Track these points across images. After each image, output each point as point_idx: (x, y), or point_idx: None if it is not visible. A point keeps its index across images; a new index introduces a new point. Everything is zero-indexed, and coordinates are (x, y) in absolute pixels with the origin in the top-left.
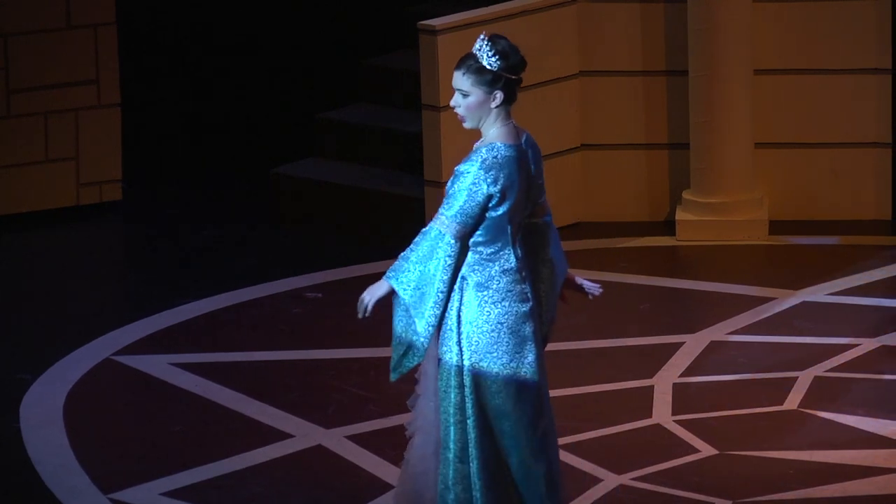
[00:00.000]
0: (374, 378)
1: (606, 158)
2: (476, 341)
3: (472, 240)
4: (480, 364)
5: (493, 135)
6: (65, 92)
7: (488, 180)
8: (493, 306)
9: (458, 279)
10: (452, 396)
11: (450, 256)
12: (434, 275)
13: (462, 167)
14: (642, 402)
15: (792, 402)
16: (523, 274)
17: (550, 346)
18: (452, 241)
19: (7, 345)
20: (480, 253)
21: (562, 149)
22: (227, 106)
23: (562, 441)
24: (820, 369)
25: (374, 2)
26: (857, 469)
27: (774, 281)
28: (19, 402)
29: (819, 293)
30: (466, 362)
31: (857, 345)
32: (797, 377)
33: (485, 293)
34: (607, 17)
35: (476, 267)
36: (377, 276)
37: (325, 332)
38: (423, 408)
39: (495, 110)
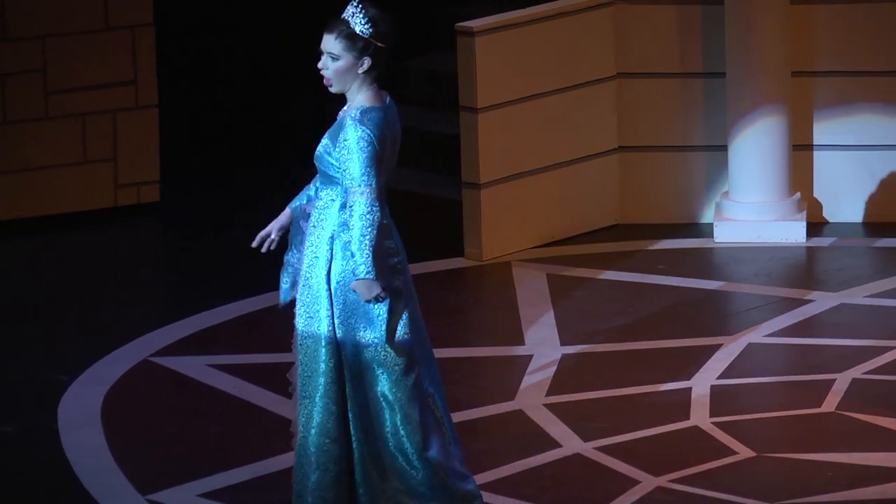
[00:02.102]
0: None
1: (644, 160)
2: (346, 300)
3: (341, 200)
4: (350, 321)
5: (361, 99)
6: (103, 93)
7: (373, 137)
8: None
9: (328, 241)
10: (323, 357)
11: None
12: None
13: (360, 132)
14: (680, 404)
15: (830, 404)
16: (391, 230)
17: (588, 349)
18: (378, 204)
19: (45, 346)
20: (343, 214)
21: (599, 151)
22: (264, 107)
23: (600, 443)
24: (858, 371)
25: (410, 4)
26: None
27: (812, 283)
28: (57, 403)
29: (857, 295)
30: (338, 323)
31: (895, 347)
32: (835, 379)
33: (346, 253)
34: (644, 18)
35: (344, 228)
36: (415, 279)
37: None
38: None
39: (361, 76)
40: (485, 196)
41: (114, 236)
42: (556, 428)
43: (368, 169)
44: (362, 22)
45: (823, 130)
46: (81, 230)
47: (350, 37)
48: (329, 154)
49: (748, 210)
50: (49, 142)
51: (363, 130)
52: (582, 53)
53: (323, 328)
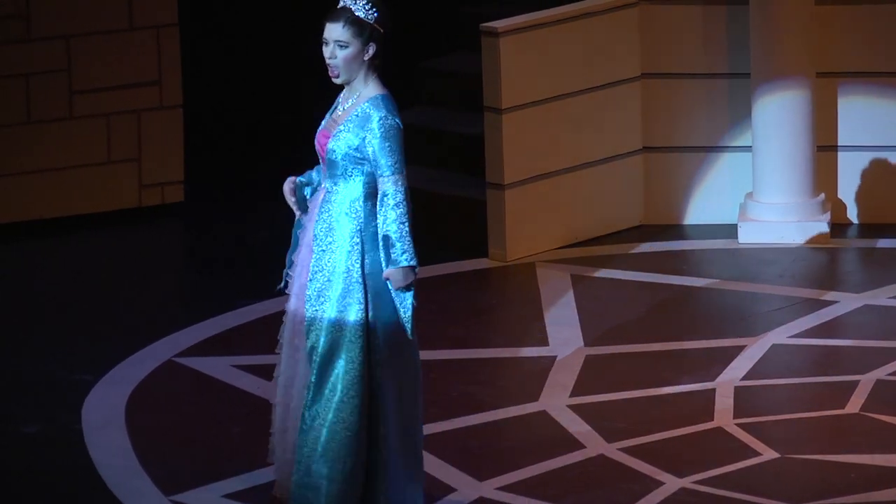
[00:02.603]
0: (434, 380)
1: (668, 161)
2: (376, 289)
3: (365, 192)
4: (380, 309)
5: (373, 87)
6: (127, 93)
7: (400, 124)
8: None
9: (356, 233)
10: (358, 350)
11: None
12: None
13: (389, 121)
14: (704, 405)
15: (854, 405)
16: None
17: (612, 350)
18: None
19: (69, 346)
20: (371, 205)
21: (624, 151)
22: (288, 107)
23: (624, 444)
24: (882, 373)
25: (429, 4)
26: None
27: (836, 284)
28: (81, 403)
29: (881, 296)
30: (371, 314)
31: None
32: (859, 381)
33: (375, 243)
34: (669, 19)
35: (371, 220)
36: (439, 279)
37: None
38: (280, 355)
39: (366, 63)
40: (509, 197)
41: (138, 237)
42: (579, 429)
43: (400, 156)
44: (366, 7)
45: (848, 131)
46: (106, 230)
47: (356, 22)
48: (355, 148)
49: (772, 211)
50: (73, 142)
51: (393, 119)
52: (607, 54)
53: (357, 319)
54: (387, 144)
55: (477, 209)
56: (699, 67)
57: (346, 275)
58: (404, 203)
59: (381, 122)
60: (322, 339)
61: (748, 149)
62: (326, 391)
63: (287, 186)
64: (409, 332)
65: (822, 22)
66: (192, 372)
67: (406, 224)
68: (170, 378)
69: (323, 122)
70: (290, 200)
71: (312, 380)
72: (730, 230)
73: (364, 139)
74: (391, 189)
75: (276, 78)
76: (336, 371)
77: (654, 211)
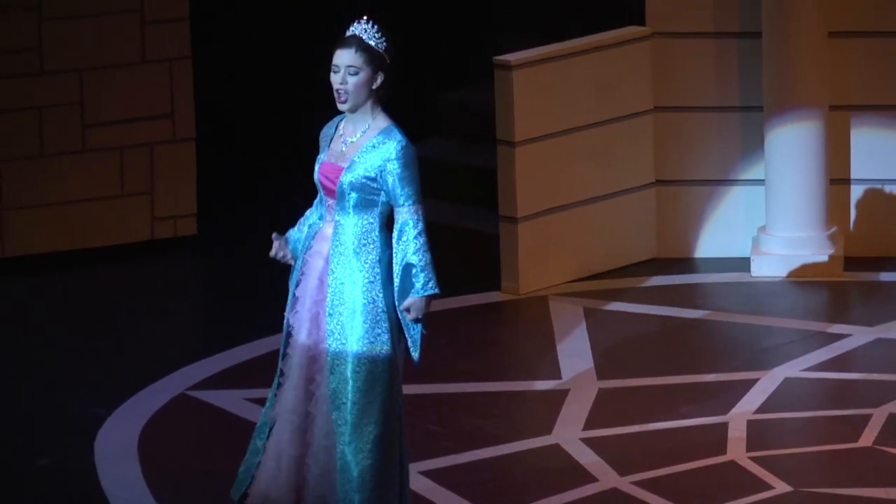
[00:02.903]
0: (446, 413)
1: (681, 194)
2: (395, 319)
3: (381, 222)
4: (397, 339)
5: (382, 119)
6: (140, 126)
7: (416, 154)
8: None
9: (375, 264)
10: (390, 380)
11: None
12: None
13: (410, 150)
14: (717, 438)
15: (867, 439)
16: None
17: (625, 384)
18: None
19: (81, 379)
20: (386, 235)
21: (637, 184)
22: (302, 141)
23: (637, 477)
24: (895, 406)
25: (446, 37)
26: None
27: (849, 318)
28: (94, 436)
29: (894, 330)
30: (394, 343)
31: None
32: (872, 414)
33: (391, 273)
34: (682, 52)
35: (386, 249)
36: (451, 313)
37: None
38: (285, 396)
39: (374, 93)
40: (522, 230)
41: (150, 269)
42: (592, 462)
43: (419, 185)
44: (377, 37)
45: (861, 164)
46: (118, 263)
47: (367, 50)
48: (372, 179)
49: (785, 244)
50: (86, 175)
51: (411, 146)
52: (619, 87)
53: (388, 350)
54: (407, 174)
55: (490, 242)
56: (712, 100)
57: (371, 306)
58: (424, 232)
59: (402, 150)
60: (353, 375)
61: (761, 182)
62: (367, 426)
63: (275, 246)
64: (417, 360)
65: (835, 54)
66: (205, 405)
67: (429, 253)
68: (182, 411)
69: (322, 156)
70: (281, 255)
71: (349, 418)
72: (742, 263)
73: (383, 169)
74: (412, 218)
75: (289, 111)
76: (375, 404)
77: (666, 244)
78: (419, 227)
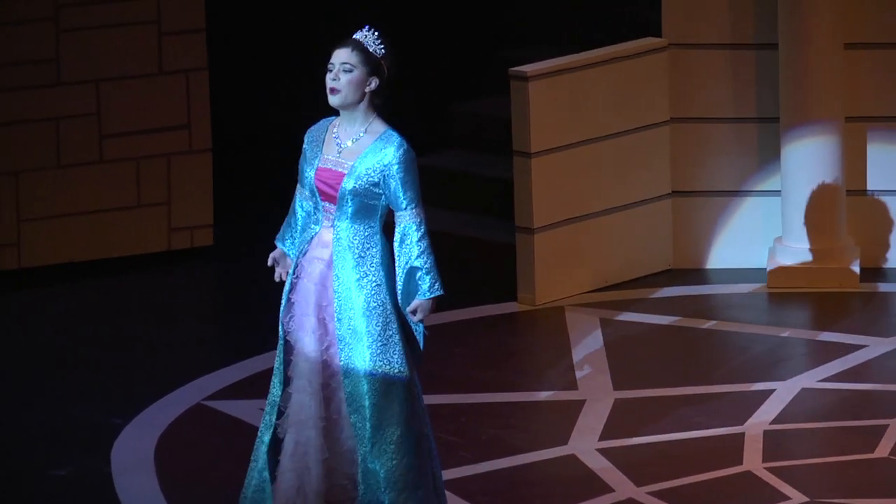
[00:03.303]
0: (463, 423)
1: (697, 205)
2: (405, 323)
3: (380, 225)
4: (407, 346)
5: (382, 124)
6: (157, 137)
7: (415, 157)
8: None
9: (379, 267)
10: (412, 384)
11: None
12: None
13: (410, 154)
14: (733, 448)
15: (883, 449)
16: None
17: (641, 394)
18: None
19: (98, 389)
20: (387, 238)
21: (653, 196)
22: None
23: (653, 487)
24: None
25: (462, 48)
26: None
27: (866, 328)
28: (110, 446)
29: None
30: (407, 346)
31: None
32: (888, 425)
33: (393, 275)
34: (698, 63)
35: (388, 252)
36: (468, 323)
37: None
38: (300, 403)
39: (368, 97)
40: (538, 241)
41: (167, 280)
42: (609, 473)
43: (419, 189)
44: (376, 42)
45: (877, 176)
46: (135, 274)
47: (365, 52)
48: (374, 183)
49: (801, 255)
50: (103, 186)
51: (410, 150)
52: (636, 98)
53: (402, 350)
54: (409, 178)
55: (506, 253)
56: (728, 112)
57: (380, 308)
58: (427, 235)
59: (402, 155)
60: (369, 378)
61: (777, 193)
62: (389, 427)
63: (273, 260)
64: (419, 358)
65: (851, 66)
66: (222, 415)
67: (432, 255)
68: (199, 421)
69: (316, 161)
70: (279, 269)
71: (369, 421)
72: (759, 274)
73: (385, 174)
74: (414, 222)
75: (306, 122)
76: (395, 405)
77: (683, 255)
78: (421, 231)
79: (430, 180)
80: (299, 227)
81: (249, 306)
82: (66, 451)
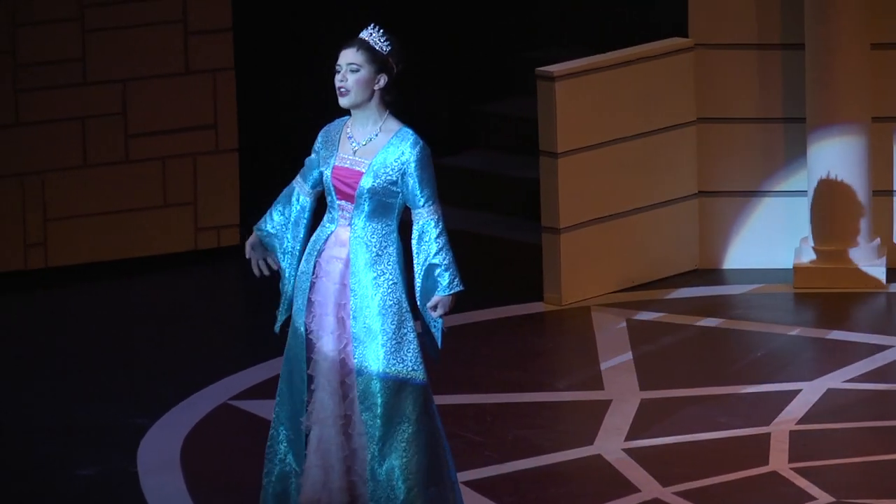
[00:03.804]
0: (489, 424)
1: (724, 205)
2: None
3: (397, 223)
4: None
5: (396, 122)
6: (183, 137)
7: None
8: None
9: (396, 265)
10: (424, 380)
11: None
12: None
13: (426, 151)
14: (759, 449)
15: None
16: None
17: (667, 394)
18: None
19: (124, 389)
20: (401, 237)
21: (679, 195)
22: None
23: (679, 487)
24: None
25: (488, 49)
26: None
27: (892, 329)
28: (136, 446)
29: None
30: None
31: None
32: None
33: (407, 273)
34: (724, 64)
35: (404, 251)
36: (494, 323)
37: (441, 378)
38: (321, 401)
39: (377, 94)
40: (564, 241)
41: (194, 280)
42: (635, 473)
43: (435, 186)
44: (382, 40)
45: None
46: (161, 273)
47: (370, 50)
48: (392, 182)
49: (828, 256)
50: (129, 185)
51: (427, 149)
52: (662, 98)
53: (416, 347)
54: (425, 175)
55: (532, 253)
56: (754, 112)
57: (396, 307)
58: (445, 231)
59: (420, 152)
60: (382, 376)
61: (803, 193)
62: (400, 425)
63: (250, 247)
64: (438, 355)
65: (878, 66)
66: (247, 415)
67: (451, 251)
68: (225, 421)
69: (332, 160)
70: (256, 256)
71: (380, 419)
72: (785, 275)
73: (403, 172)
74: (432, 219)
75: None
76: (406, 403)
77: (709, 255)
78: (440, 227)
79: (456, 180)
80: (292, 220)
81: (276, 306)
82: (92, 452)
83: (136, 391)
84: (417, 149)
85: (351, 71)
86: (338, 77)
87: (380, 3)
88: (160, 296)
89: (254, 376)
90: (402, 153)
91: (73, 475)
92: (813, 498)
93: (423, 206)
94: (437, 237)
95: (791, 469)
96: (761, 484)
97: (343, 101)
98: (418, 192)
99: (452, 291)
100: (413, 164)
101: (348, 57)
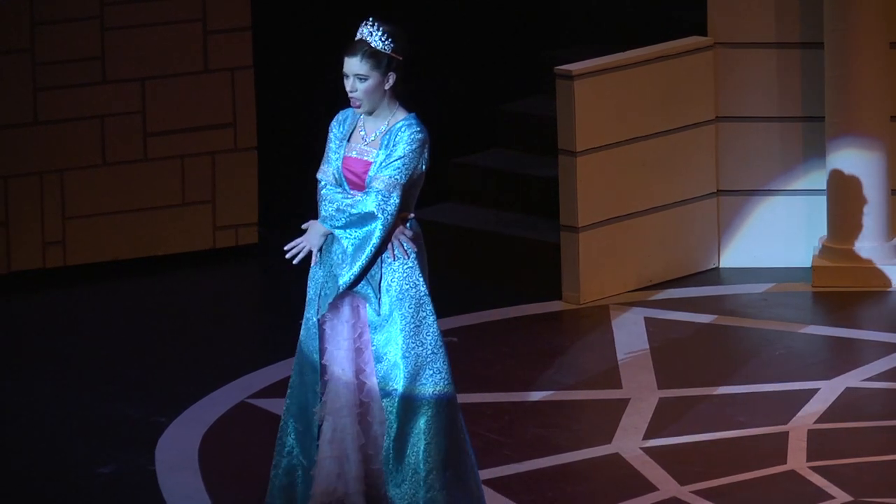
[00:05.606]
0: (507, 422)
1: (743, 204)
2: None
3: (409, 211)
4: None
5: (402, 112)
6: (202, 135)
7: (427, 140)
8: None
9: (410, 249)
10: (433, 374)
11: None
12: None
13: (417, 136)
14: (777, 448)
15: None
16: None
17: (685, 393)
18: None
19: (142, 387)
20: (415, 222)
21: (698, 194)
22: None
23: (697, 486)
24: None
25: (508, 48)
26: None
27: None
28: (155, 444)
29: None
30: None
31: None
32: None
33: (422, 256)
34: (744, 62)
35: (419, 235)
36: (512, 322)
37: (459, 376)
38: (335, 391)
39: (388, 92)
40: (583, 239)
41: (212, 278)
42: (652, 471)
43: (408, 173)
44: (382, 38)
45: None
46: (180, 272)
47: (374, 55)
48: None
49: (847, 255)
50: (148, 184)
51: (422, 134)
52: (681, 97)
53: (435, 329)
54: (403, 154)
55: (551, 252)
56: (774, 111)
57: (413, 290)
58: (381, 216)
59: (411, 134)
60: (403, 361)
61: (822, 192)
62: (420, 408)
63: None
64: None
65: None
66: (266, 413)
67: (374, 249)
68: (243, 419)
69: (342, 151)
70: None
71: (398, 404)
72: (804, 273)
73: (395, 146)
74: (379, 190)
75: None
76: (426, 388)
77: (728, 254)
78: (376, 201)
79: (475, 179)
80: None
81: (294, 304)
82: (110, 449)
83: (155, 389)
84: (412, 130)
85: (359, 80)
86: (347, 84)
87: (400, 2)
88: (178, 294)
89: (272, 374)
90: (401, 136)
91: (92, 473)
92: (831, 497)
93: (386, 177)
94: (362, 202)
95: (809, 468)
96: (779, 483)
97: (359, 112)
98: (392, 163)
99: (338, 286)
100: (402, 143)
101: (354, 67)
